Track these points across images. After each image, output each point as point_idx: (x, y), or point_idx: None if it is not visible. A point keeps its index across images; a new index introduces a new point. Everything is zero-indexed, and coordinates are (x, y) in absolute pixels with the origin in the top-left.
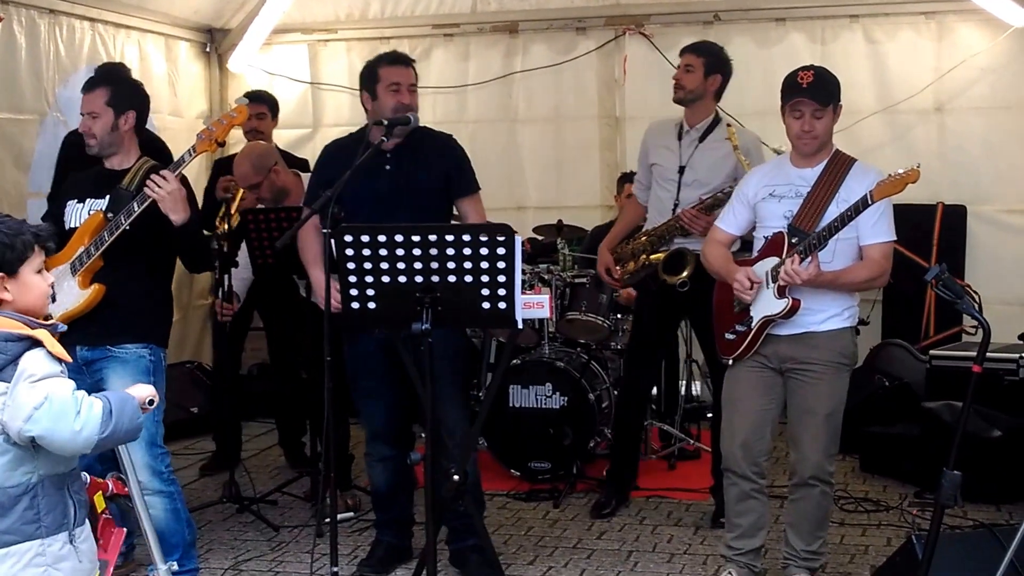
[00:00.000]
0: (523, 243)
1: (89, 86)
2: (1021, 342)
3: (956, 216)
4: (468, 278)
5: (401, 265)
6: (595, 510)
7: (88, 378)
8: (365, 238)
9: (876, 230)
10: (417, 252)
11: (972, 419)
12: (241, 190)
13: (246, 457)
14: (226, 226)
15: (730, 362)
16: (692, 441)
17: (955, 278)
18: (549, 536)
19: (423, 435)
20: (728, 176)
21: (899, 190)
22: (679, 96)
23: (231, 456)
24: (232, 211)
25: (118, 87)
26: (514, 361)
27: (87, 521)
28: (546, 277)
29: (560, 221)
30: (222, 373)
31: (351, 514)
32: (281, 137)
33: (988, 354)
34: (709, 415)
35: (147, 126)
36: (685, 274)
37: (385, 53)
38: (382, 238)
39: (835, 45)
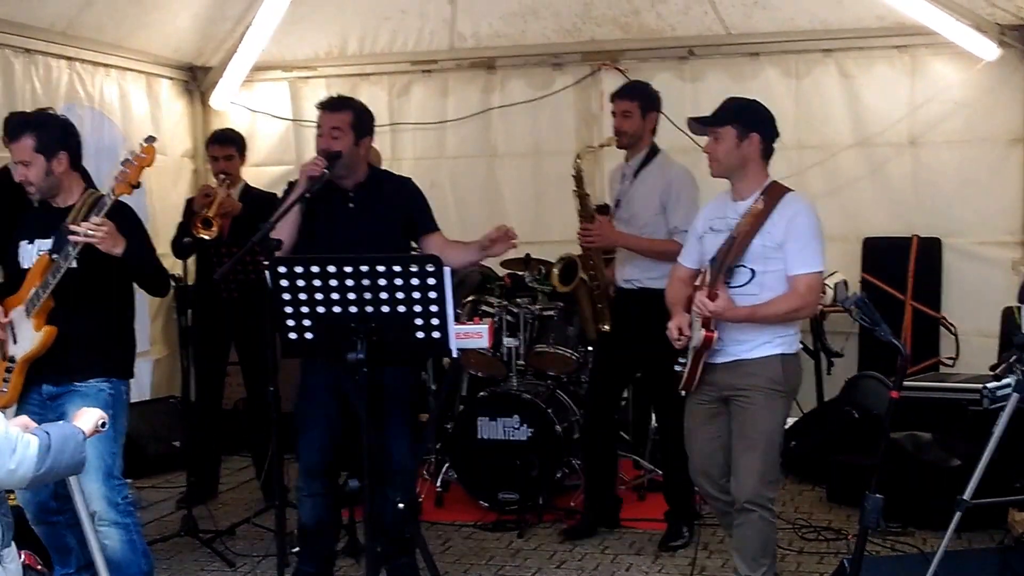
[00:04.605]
0: (503, 278)
1: (14, 135)
2: (991, 373)
3: (931, 249)
4: (401, 308)
5: (335, 296)
6: (569, 533)
7: (51, 412)
8: (299, 269)
9: (801, 260)
10: (350, 283)
11: (932, 448)
12: (220, 194)
13: (224, 490)
14: (210, 231)
15: (684, 394)
16: (662, 472)
17: (930, 310)
18: (510, 565)
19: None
20: (657, 207)
21: None
22: (623, 142)
23: (205, 489)
24: (212, 214)
25: (42, 132)
26: (481, 393)
27: (13, 543)
28: (515, 311)
29: (528, 255)
30: (192, 408)
31: None
32: (264, 174)
33: (955, 384)
34: None
35: None
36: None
37: None
38: (315, 269)
39: (809, 79)
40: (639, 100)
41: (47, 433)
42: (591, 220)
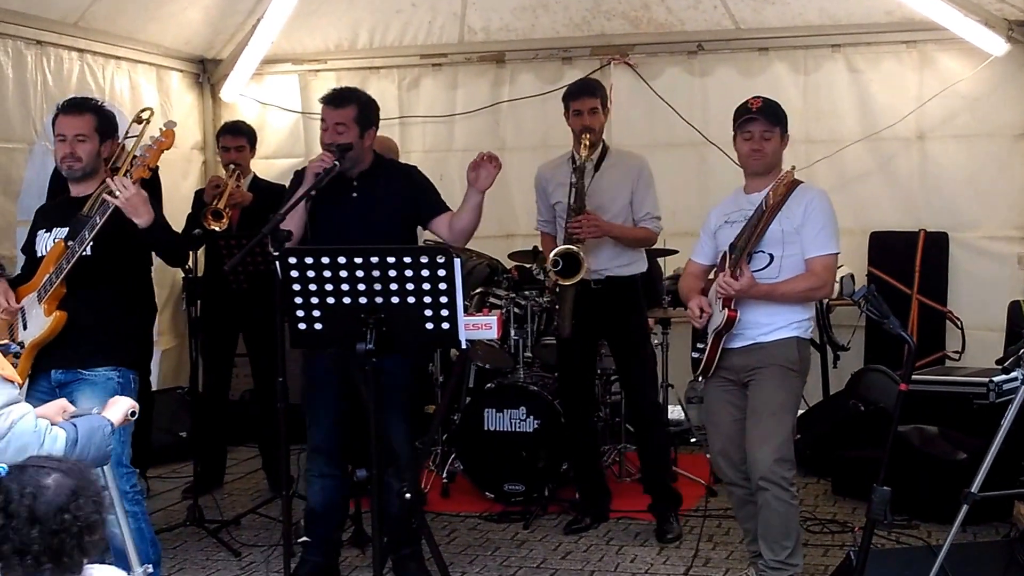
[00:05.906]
0: (511, 271)
1: (76, 110)
2: (997, 367)
3: (938, 243)
4: (411, 299)
5: (345, 287)
6: (567, 527)
7: None
8: (309, 260)
9: (817, 243)
10: (360, 274)
11: (938, 442)
12: (231, 184)
13: (230, 480)
14: (222, 223)
15: (700, 379)
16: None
17: (936, 304)
18: (515, 556)
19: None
20: (628, 197)
21: None
22: (594, 139)
23: (212, 480)
24: (222, 205)
25: (103, 116)
26: (488, 385)
27: None
28: (522, 303)
29: (536, 247)
30: (199, 399)
31: None
32: (273, 166)
33: (961, 379)
34: (693, 439)
35: None
36: (580, 275)
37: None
38: (325, 260)
39: (818, 74)
40: (600, 96)
41: (74, 426)
42: (580, 213)
